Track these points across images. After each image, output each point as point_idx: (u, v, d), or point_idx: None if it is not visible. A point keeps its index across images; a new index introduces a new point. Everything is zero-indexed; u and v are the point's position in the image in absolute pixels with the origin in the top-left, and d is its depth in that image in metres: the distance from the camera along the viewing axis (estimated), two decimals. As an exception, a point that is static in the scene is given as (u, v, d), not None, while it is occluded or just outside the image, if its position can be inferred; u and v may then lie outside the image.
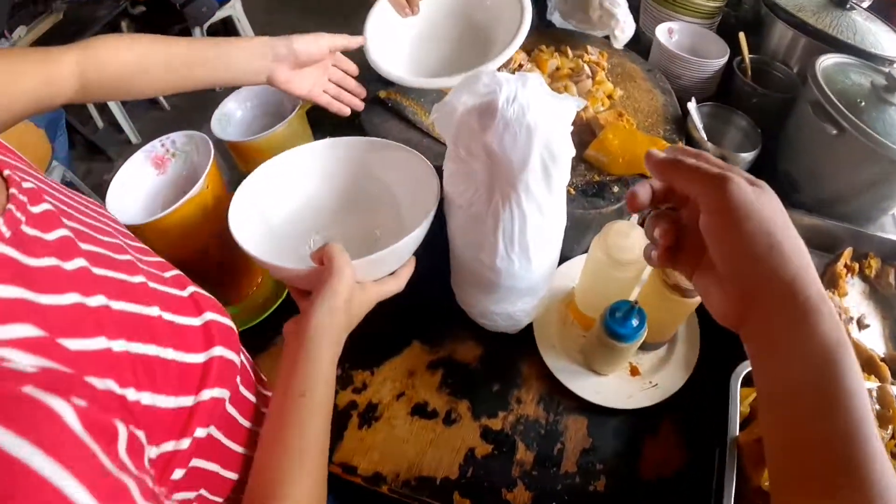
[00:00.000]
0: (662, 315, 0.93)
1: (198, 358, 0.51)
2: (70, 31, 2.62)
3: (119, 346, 0.42)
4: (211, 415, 0.51)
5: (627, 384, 0.98)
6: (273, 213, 0.89)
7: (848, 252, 1.18)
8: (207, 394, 0.50)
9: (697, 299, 0.89)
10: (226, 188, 0.94)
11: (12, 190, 0.43)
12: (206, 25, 3.16)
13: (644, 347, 1.01)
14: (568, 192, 1.01)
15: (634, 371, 0.99)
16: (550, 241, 0.85)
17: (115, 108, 2.97)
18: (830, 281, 1.16)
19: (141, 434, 0.40)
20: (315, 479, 0.57)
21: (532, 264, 0.83)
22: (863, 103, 1.14)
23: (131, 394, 0.41)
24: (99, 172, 2.96)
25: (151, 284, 0.51)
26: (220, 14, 3.27)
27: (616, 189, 1.03)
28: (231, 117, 1.12)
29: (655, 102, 1.21)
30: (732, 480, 0.84)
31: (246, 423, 0.63)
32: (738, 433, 0.88)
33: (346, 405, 0.98)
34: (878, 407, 0.95)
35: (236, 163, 1.14)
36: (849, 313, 1.13)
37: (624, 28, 1.23)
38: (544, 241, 0.82)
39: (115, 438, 0.36)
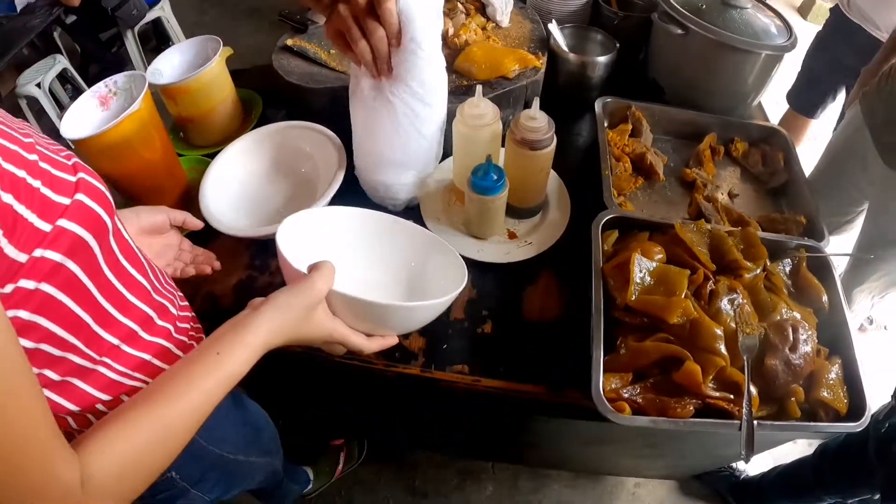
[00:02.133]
0: (522, 174, 1.07)
1: (63, 200, 0.56)
2: (8, 40, 2.71)
3: None
4: (68, 249, 0.56)
5: (505, 245, 1.15)
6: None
7: (710, 136, 1.33)
8: (66, 224, 0.55)
9: (545, 150, 1.02)
10: (164, 125, 1.14)
11: None
12: (136, 28, 3.25)
13: (519, 215, 1.16)
14: None
15: (512, 235, 1.14)
16: (427, 122, 1.05)
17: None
18: (696, 160, 1.31)
19: None
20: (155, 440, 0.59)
21: (411, 145, 1.07)
22: (704, 6, 1.31)
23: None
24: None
25: (38, 147, 0.56)
26: (150, 16, 3.34)
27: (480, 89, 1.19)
28: (161, 72, 1.29)
29: (524, 29, 1.42)
30: (601, 299, 0.97)
31: (95, 291, 0.64)
32: (601, 264, 1.00)
33: (265, 286, 1.11)
34: (742, 246, 1.06)
35: (168, 108, 1.31)
36: (715, 185, 1.26)
37: (503, 14, 1.42)
38: (421, 123, 1.04)
39: None
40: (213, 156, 1.29)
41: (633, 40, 1.45)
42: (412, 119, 1.02)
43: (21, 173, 0.51)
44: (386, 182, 1.12)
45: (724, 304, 1.00)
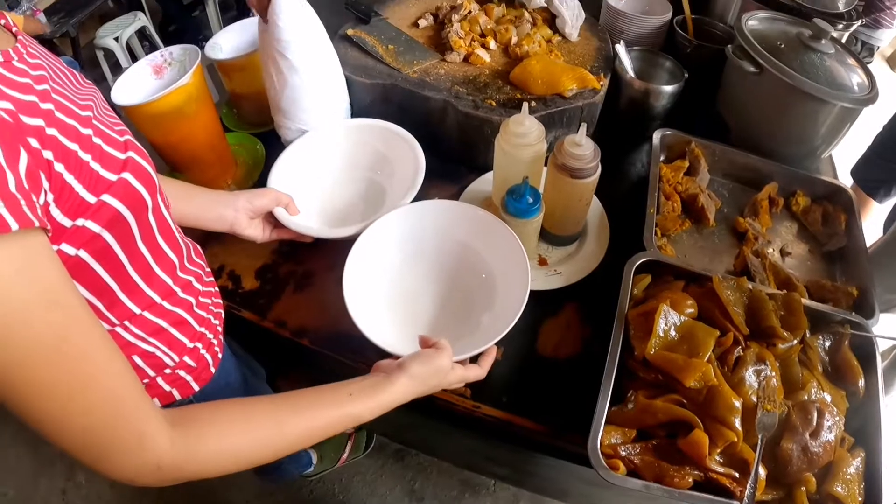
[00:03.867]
0: (561, 201, 1.03)
1: (110, 176, 0.60)
2: None
3: (51, 131, 0.52)
4: (108, 222, 0.61)
5: (534, 271, 1.10)
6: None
7: (771, 186, 1.25)
8: (109, 200, 0.60)
9: (587, 180, 0.97)
10: (213, 100, 1.16)
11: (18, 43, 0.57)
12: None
13: (553, 241, 1.11)
14: (489, 104, 1.15)
15: (542, 261, 1.09)
16: (310, 94, 1.15)
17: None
18: (752, 209, 1.23)
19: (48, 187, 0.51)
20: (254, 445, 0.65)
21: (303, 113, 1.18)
22: (783, 46, 1.23)
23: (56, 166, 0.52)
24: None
25: (94, 122, 0.60)
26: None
27: (533, 104, 1.19)
28: (221, 46, 1.30)
29: (590, 47, 1.36)
30: (618, 347, 0.95)
31: (145, 250, 0.71)
32: (626, 309, 0.95)
33: (286, 274, 1.12)
34: (782, 312, 1.00)
35: (224, 83, 1.35)
36: (767, 239, 1.19)
37: (573, 28, 1.37)
38: (304, 95, 1.14)
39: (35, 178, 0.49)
40: (261, 135, 1.32)
41: (705, 72, 1.37)
42: (280, 66, 1.10)
43: (74, 146, 0.55)
44: (277, 123, 1.20)
45: (750, 374, 0.94)
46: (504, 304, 0.97)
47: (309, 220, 1.11)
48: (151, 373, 0.79)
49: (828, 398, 0.99)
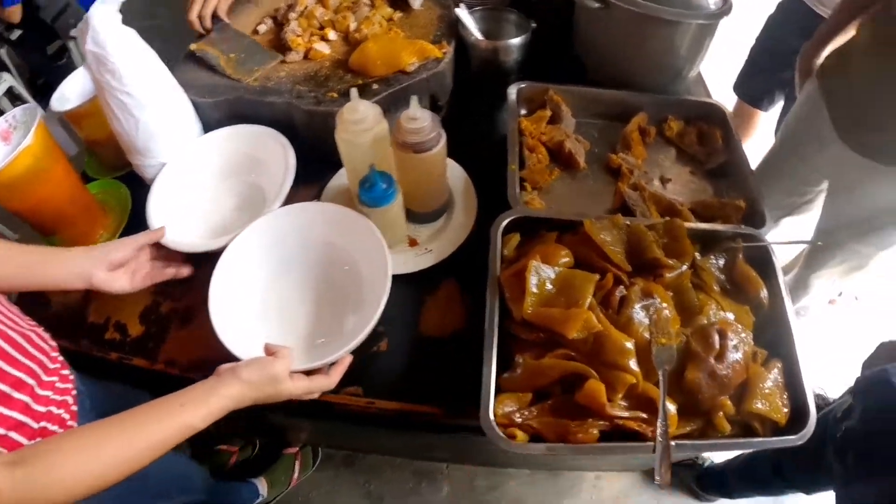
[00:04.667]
0: (414, 177, 0.98)
1: None
2: None
3: None
4: None
5: (404, 253, 1.05)
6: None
7: (639, 116, 1.20)
8: None
9: (432, 152, 0.92)
10: (64, 154, 1.09)
11: None
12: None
13: (421, 220, 1.07)
14: (331, 97, 1.11)
15: (413, 242, 1.05)
16: (161, 127, 1.10)
17: None
18: (624, 144, 1.19)
19: None
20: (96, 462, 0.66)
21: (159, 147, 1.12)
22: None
23: None
24: None
25: None
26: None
27: (375, 86, 1.14)
28: (67, 96, 1.22)
29: (432, 15, 1.31)
30: (495, 313, 0.89)
31: None
32: (499, 272, 0.89)
33: (169, 312, 1.05)
34: (666, 241, 0.95)
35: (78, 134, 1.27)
36: (644, 170, 1.14)
37: None
38: (156, 129, 1.09)
39: None
40: (124, 178, 1.24)
41: (557, 18, 1.32)
42: (122, 107, 1.05)
43: None
44: (136, 164, 1.14)
45: (638, 311, 0.89)
46: (372, 298, 0.91)
47: (197, 240, 1.07)
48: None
49: (730, 317, 0.95)
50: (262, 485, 1.72)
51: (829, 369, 1.92)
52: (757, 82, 1.98)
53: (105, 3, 0.99)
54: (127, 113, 1.05)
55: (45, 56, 3.14)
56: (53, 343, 0.91)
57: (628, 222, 0.97)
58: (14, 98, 2.98)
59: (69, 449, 0.65)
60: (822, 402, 1.80)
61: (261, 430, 1.80)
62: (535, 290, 0.87)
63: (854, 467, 0.97)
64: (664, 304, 0.91)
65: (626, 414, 0.83)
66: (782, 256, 2.16)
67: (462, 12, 1.24)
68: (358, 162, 0.97)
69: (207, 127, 1.21)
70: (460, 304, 1.01)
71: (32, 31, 2.96)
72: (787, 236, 1.66)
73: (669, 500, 1.79)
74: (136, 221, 1.10)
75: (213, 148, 1.18)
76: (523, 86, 1.22)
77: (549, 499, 1.77)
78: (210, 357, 0.93)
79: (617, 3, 1.15)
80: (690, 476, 1.77)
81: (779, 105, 2.01)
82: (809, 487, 1.34)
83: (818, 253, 1.47)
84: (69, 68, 3.26)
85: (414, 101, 0.91)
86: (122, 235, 1.14)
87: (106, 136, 1.17)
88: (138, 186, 1.17)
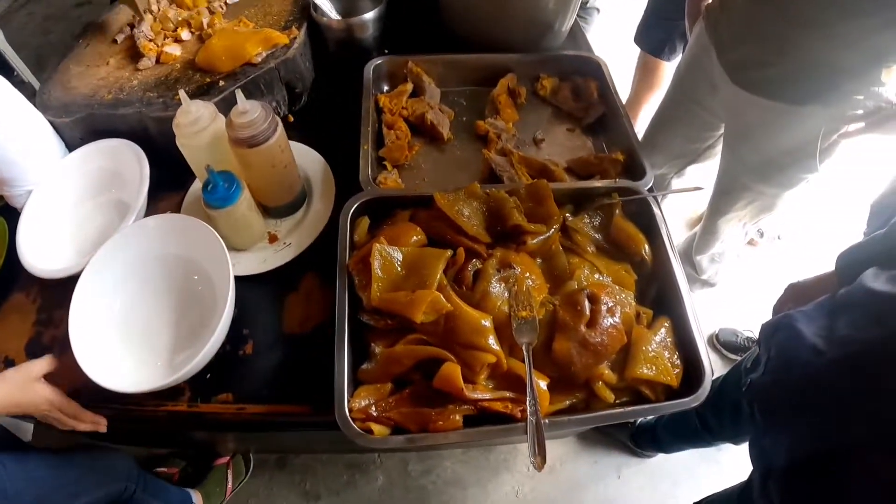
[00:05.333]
0: (256, 171, 0.94)
1: None
2: None
3: None
4: None
5: (263, 251, 0.99)
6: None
7: (507, 78, 1.14)
8: None
9: (269, 143, 0.87)
10: None
11: None
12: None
13: (277, 214, 1.02)
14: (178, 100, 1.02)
15: (273, 238, 1.00)
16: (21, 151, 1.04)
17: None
18: (492, 108, 1.13)
19: None
20: None
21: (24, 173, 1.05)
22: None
23: None
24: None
25: None
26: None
27: (222, 83, 1.07)
28: None
29: (286, 2, 1.22)
30: (345, 303, 0.85)
31: None
32: (347, 260, 0.83)
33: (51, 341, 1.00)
34: (531, 204, 0.89)
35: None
36: (512, 133, 1.09)
37: None
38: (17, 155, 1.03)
39: None
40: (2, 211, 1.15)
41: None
42: None
43: None
44: (3, 194, 1.09)
45: (495, 285, 0.83)
46: (223, 302, 0.85)
47: (66, 264, 1.00)
48: None
49: (607, 279, 0.90)
50: (196, 497, 1.66)
51: (755, 313, 1.92)
52: (657, 32, 1.92)
53: None
54: None
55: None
56: None
57: (487, 190, 0.91)
58: None
59: None
60: (752, 344, 1.77)
61: (188, 444, 1.76)
62: (380, 273, 0.81)
63: (762, 421, 0.91)
64: (528, 274, 0.85)
65: (488, 395, 0.77)
66: (696, 207, 2.15)
67: (312, -8, 1.17)
68: (202, 164, 0.91)
69: (72, 146, 1.14)
70: (321, 297, 0.95)
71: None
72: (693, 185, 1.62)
73: (607, 459, 1.78)
74: (14, 253, 1.03)
75: (74, 168, 1.11)
76: (379, 61, 1.16)
77: (485, 474, 1.73)
78: (85, 382, 0.88)
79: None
80: (625, 435, 1.75)
81: (681, 54, 1.96)
82: (735, 438, 1.31)
83: (723, 197, 1.43)
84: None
85: (239, 94, 0.84)
86: (3, 270, 1.07)
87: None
88: (14, 218, 1.10)
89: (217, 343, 0.83)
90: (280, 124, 0.89)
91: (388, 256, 0.82)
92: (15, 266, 1.04)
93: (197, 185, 1.08)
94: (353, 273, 0.84)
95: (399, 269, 0.82)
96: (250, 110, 0.84)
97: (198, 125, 0.87)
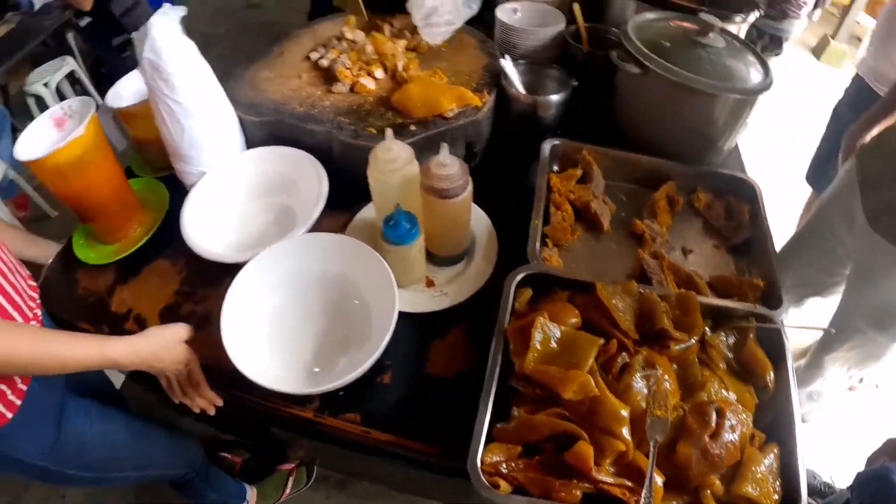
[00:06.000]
0: (437, 221, 1.01)
1: None
2: (21, 38, 2.90)
3: None
4: None
5: (419, 294, 1.08)
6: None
7: (669, 185, 1.22)
8: None
9: (457, 199, 0.95)
10: (111, 149, 1.16)
11: None
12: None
13: (440, 262, 1.10)
14: (370, 132, 1.15)
15: (430, 283, 1.08)
16: (205, 136, 1.17)
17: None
18: (650, 211, 1.20)
19: None
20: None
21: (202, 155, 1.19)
22: (669, 44, 1.21)
23: None
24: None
25: None
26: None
27: (413, 128, 1.18)
28: (121, 94, 1.30)
29: (478, 64, 1.36)
30: (497, 364, 0.92)
31: None
32: (506, 325, 0.92)
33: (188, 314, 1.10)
34: (677, 313, 0.97)
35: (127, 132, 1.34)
36: (666, 239, 1.16)
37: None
38: (200, 138, 1.16)
39: None
40: (165, 179, 1.31)
41: (600, 79, 1.35)
42: (171, 114, 1.12)
43: None
44: (178, 169, 1.22)
45: (638, 380, 0.90)
46: (378, 333, 0.95)
47: (225, 250, 1.12)
48: None
49: (732, 397, 0.96)
50: (251, 492, 1.75)
51: (841, 458, 1.88)
52: (827, 172, 1.95)
53: (167, 13, 1.06)
54: (175, 120, 1.12)
55: (110, 47, 3.24)
56: (34, 294, 1.01)
57: (642, 290, 0.99)
58: (74, 81, 3.12)
59: None
60: (828, 490, 1.76)
61: (262, 438, 1.85)
62: (538, 346, 0.89)
63: (846, 564, 0.95)
64: (665, 377, 0.92)
65: (611, 480, 0.84)
66: (804, 339, 2.15)
67: (507, 63, 1.28)
68: (386, 199, 1.01)
69: (250, 143, 1.27)
70: (468, 349, 1.03)
71: (101, 22, 3.07)
72: (810, 318, 1.64)
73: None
74: (170, 223, 1.16)
75: (252, 164, 1.24)
76: (557, 142, 1.26)
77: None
78: (217, 363, 0.98)
79: (654, 70, 1.18)
80: None
81: None
82: None
83: (835, 336, 1.45)
84: (132, 62, 3.39)
85: (444, 148, 0.95)
86: (155, 234, 1.20)
87: (153, 138, 1.24)
88: (177, 190, 1.24)
89: (366, 367, 0.91)
90: (471, 184, 0.99)
91: (547, 331, 0.91)
92: (166, 233, 1.15)
93: (367, 213, 1.18)
94: (509, 338, 0.93)
95: (555, 345, 0.91)
96: (450, 164, 0.95)
97: (395, 164, 0.97)
